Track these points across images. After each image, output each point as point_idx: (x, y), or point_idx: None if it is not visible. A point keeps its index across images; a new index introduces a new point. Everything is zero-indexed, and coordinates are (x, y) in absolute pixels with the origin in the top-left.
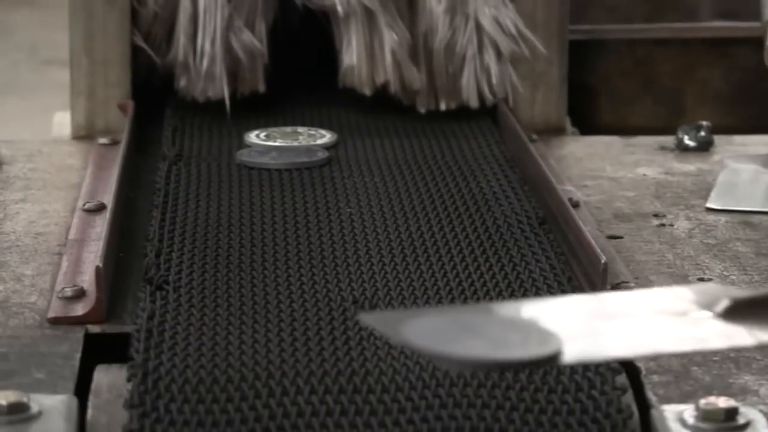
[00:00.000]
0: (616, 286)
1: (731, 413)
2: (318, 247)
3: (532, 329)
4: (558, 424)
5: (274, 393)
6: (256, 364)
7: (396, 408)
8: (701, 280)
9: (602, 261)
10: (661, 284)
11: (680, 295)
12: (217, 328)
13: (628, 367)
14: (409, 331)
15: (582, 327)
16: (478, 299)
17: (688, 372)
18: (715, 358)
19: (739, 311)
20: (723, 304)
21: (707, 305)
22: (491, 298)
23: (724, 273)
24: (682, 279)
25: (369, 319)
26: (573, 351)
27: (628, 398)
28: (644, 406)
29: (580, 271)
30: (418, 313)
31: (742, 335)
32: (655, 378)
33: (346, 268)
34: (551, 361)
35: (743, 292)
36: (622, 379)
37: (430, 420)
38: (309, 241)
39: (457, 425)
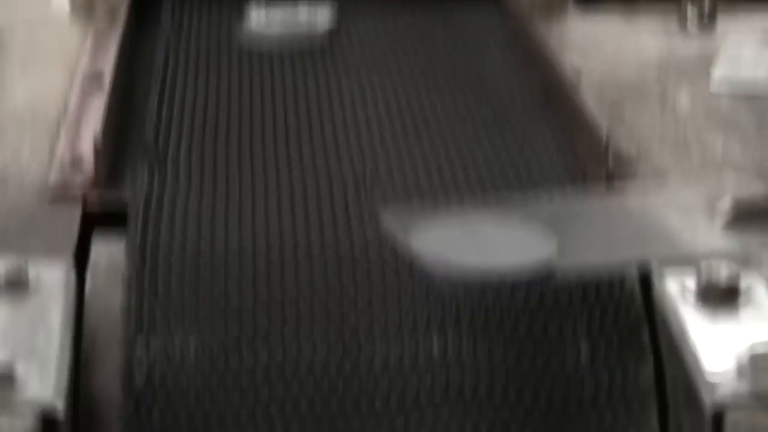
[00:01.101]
0: (618, 158)
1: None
2: (319, 123)
3: (532, 237)
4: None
5: (272, 263)
6: (255, 238)
7: (393, 277)
8: (703, 154)
9: (604, 135)
10: (662, 159)
11: (689, 194)
12: (215, 202)
13: None
14: (419, 239)
15: (587, 229)
16: (480, 175)
17: None
18: None
19: (744, 212)
20: (726, 203)
21: (715, 204)
22: (494, 173)
23: (726, 147)
24: (684, 151)
25: (388, 220)
26: (572, 260)
27: None
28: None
29: (583, 144)
30: (433, 218)
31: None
32: None
33: (348, 143)
34: (544, 270)
35: (749, 192)
36: None
37: (418, 287)
38: (309, 117)
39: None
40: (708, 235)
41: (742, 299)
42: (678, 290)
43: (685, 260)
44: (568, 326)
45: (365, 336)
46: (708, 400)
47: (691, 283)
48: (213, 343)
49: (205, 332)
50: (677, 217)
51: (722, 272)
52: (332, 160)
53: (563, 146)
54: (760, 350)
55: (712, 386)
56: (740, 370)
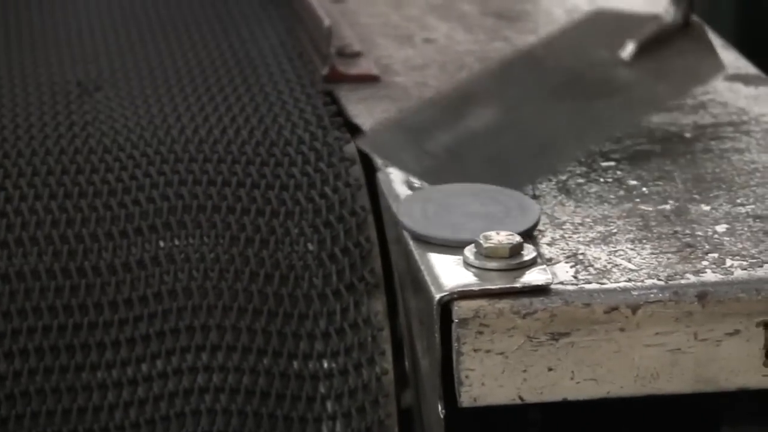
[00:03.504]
0: (342, 50)
1: None
2: (40, 28)
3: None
4: (280, 175)
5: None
6: None
7: (120, 187)
8: (427, 41)
9: (326, 25)
10: (387, 47)
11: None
12: None
13: (353, 128)
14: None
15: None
16: (206, 78)
17: None
18: None
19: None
20: (630, 48)
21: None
22: (221, 75)
23: (450, 33)
24: (407, 40)
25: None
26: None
27: (351, 148)
28: (371, 171)
29: (308, 39)
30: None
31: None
32: None
33: (71, 51)
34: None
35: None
36: (349, 146)
37: (156, 198)
38: (31, 21)
39: (185, 203)
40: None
41: None
42: (402, 179)
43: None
44: (294, 223)
45: (91, 240)
46: (435, 291)
47: None
48: None
49: None
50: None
51: None
52: (55, 69)
53: (287, 43)
54: (485, 239)
55: (438, 278)
56: (465, 260)
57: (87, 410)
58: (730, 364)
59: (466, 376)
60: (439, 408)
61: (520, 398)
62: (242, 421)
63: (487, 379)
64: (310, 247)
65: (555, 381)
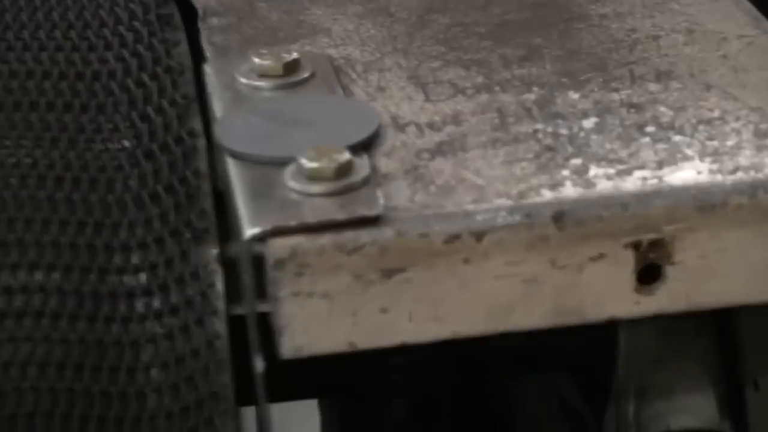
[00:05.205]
0: None
1: (291, 66)
2: None
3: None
4: (92, 62)
5: None
6: None
7: None
8: None
9: None
10: None
11: None
12: None
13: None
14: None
15: None
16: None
17: (255, 11)
18: None
19: None
20: None
21: None
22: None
23: None
24: None
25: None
26: None
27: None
28: (199, 60)
29: None
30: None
31: None
32: (215, 21)
33: None
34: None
35: None
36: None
37: None
38: None
39: None
40: None
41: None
42: (234, 72)
43: None
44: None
45: None
46: (245, 227)
47: (244, 76)
48: None
49: None
50: None
51: (279, 60)
52: None
53: None
54: (307, 157)
55: (249, 209)
56: (285, 183)
57: None
58: (595, 293)
59: (286, 324)
60: (258, 363)
61: (351, 344)
62: (53, 400)
63: (311, 325)
64: (130, 183)
65: (391, 323)
